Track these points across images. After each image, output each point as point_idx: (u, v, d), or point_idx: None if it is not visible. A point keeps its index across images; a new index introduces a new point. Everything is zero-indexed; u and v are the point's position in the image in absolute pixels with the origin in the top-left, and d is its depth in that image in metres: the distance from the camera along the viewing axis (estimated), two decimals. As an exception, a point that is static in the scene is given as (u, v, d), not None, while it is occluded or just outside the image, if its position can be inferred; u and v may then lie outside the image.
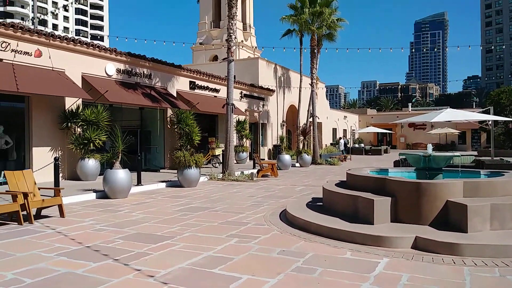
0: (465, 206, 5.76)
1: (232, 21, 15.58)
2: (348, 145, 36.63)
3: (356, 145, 43.64)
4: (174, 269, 4.72)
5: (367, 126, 49.90)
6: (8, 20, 12.52)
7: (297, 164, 22.00)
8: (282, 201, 9.66)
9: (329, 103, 49.11)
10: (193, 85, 19.87)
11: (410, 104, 73.86)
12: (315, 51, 25.08)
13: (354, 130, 50.90)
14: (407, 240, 5.59)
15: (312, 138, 24.76)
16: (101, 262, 5.01)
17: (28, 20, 76.60)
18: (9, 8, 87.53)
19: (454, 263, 4.92)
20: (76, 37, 14.26)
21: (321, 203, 8.06)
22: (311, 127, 25.36)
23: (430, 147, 8.08)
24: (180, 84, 18.96)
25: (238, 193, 11.36)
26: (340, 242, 5.84)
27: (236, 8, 15.85)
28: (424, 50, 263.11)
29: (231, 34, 15.57)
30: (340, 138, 38.93)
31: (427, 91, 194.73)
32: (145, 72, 16.85)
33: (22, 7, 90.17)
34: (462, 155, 8.53)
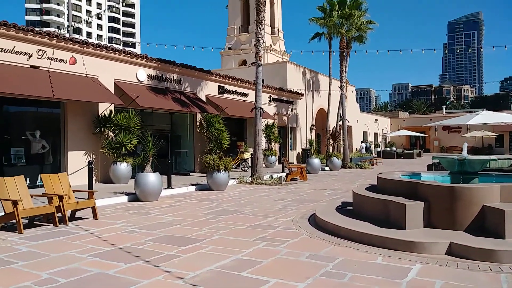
0: (502, 211, 5.53)
1: (260, 26, 15.63)
2: (370, 149, 35.92)
3: (388, 149, 42.79)
4: (202, 272, 4.75)
5: (399, 129, 48.95)
6: (45, 29, 12.97)
7: (327, 168, 21.77)
8: (311, 205, 9.57)
9: (360, 107, 48.40)
10: (222, 90, 20.04)
11: (444, 106, 71.96)
12: (344, 54, 24.80)
13: (385, 133, 49.98)
14: (441, 246, 5.41)
15: (342, 141, 24.46)
16: (132, 263, 5.10)
17: (64, 29, 79.52)
18: (45, 17, 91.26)
19: (491, 270, 4.72)
20: (109, 44, 14.68)
21: (351, 207, 7.93)
22: (341, 131, 25.06)
23: (465, 145, 7.79)
24: (209, 89, 19.16)
25: (267, 196, 11.34)
26: (370, 247, 5.71)
27: (264, 13, 15.89)
28: (458, 51, 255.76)
29: (259, 39, 15.62)
30: (362, 141, 38.28)
31: (462, 93, 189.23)
32: (175, 78, 17.13)
33: (58, 16, 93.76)
34: (499, 159, 8.21)
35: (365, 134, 43.96)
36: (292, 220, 7.84)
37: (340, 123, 25.37)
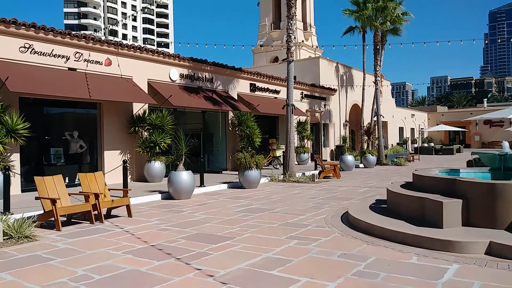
0: (548, 209, 5.21)
1: (291, 21, 15.49)
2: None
3: (425, 145, 41.53)
4: (233, 270, 4.74)
5: (437, 124, 47.37)
6: (82, 32, 13.40)
7: (361, 165, 21.37)
8: (344, 203, 9.40)
9: (396, 101, 47.24)
10: (253, 87, 20.04)
11: (486, 99, 68.92)
12: (379, 47, 24.22)
13: (422, 129, 48.49)
14: (480, 246, 5.18)
15: (376, 137, 23.93)
16: (164, 260, 5.17)
17: (100, 31, 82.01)
18: (83, 21, 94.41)
19: (535, 272, 4.46)
20: (142, 45, 14.98)
21: (385, 205, 7.72)
22: (376, 127, 24.51)
23: (506, 144, 7.42)
24: (240, 87, 19.21)
25: (299, 194, 11.24)
26: (405, 246, 5.54)
27: (295, 8, 15.74)
28: (499, 41, 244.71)
29: (290, 35, 15.48)
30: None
31: (504, 85, 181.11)
32: (206, 76, 17.28)
33: (95, 19, 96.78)
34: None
35: (401, 129, 42.83)
36: (324, 218, 7.72)
37: (375, 118, 24.83)
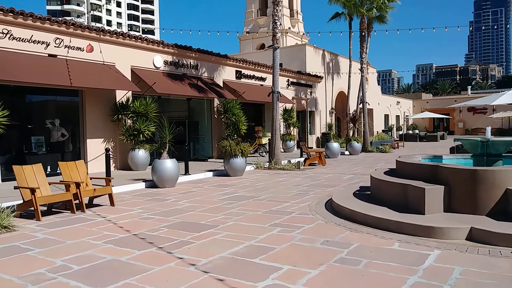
0: (528, 195, 5.27)
1: (277, 7, 15.30)
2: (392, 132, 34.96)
3: (410, 132, 41.94)
4: (215, 258, 4.70)
5: (422, 112, 47.83)
6: (62, 18, 13.02)
7: (347, 152, 21.47)
8: (328, 190, 9.42)
9: (382, 89, 47.45)
10: (239, 74, 19.87)
11: (470, 87, 69.71)
12: (365, 34, 24.17)
13: (407, 116, 48.93)
14: (461, 231, 5.22)
15: (362, 125, 24.04)
16: (145, 250, 5.10)
17: (84, 17, 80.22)
18: (66, 7, 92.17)
19: (514, 256, 4.51)
20: (125, 32, 14.66)
21: (369, 192, 7.76)
22: (361, 114, 24.60)
23: (489, 129, 7.47)
24: (226, 74, 19.03)
25: (284, 182, 11.23)
26: (388, 232, 5.56)
27: (281, -6, 15.53)
28: (484, 28, 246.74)
29: (276, 21, 15.30)
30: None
31: (488, 72, 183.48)
32: (191, 63, 17.05)
33: (78, 5, 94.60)
34: (525, 140, 7.84)
35: (386, 117, 43.15)
36: (308, 205, 7.72)
37: (361, 106, 24.90)
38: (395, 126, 44.13)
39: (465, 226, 5.24)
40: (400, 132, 41.82)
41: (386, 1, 24.21)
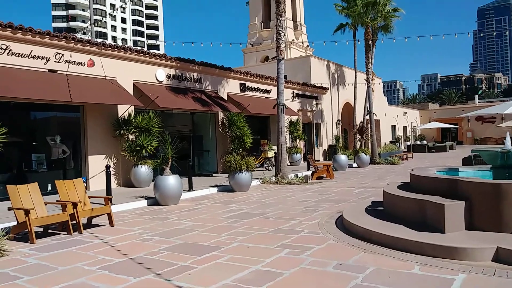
0: (559, 211, 4.82)
1: (280, 18, 15.04)
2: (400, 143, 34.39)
3: (418, 142, 41.32)
4: (217, 286, 4.28)
5: (430, 122, 47.29)
6: (63, 33, 12.81)
7: (355, 165, 20.99)
8: (338, 206, 8.97)
9: (387, 99, 46.97)
10: (243, 87, 19.58)
11: (477, 96, 69.03)
12: (370, 44, 23.88)
13: (415, 126, 48.35)
14: (486, 252, 4.77)
15: (369, 136, 23.58)
16: (142, 277, 4.70)
17: (89, 34, 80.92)
18: (71, 24, 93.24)
19: (551, 281, 4.05)
20: (127, 45, 14.44)
21: (381, 208, 7.31)
22: (368, 125, 24.17)
23: (508, 136, 6.99)
24: (230, 87, 18.74)
25: (291, 197, 10.80)
26: (406, 254, 5.11)
27: (284, 5, 15.30)
28: (486, 36, 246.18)
29: (280, 32, 15.04)
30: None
31: (494, 81, 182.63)
32: (195, 76, 16.79)
33: (83, 21, 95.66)
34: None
35: (393, 128, 42.61)
36: (318, 223, 7.28)
37: (367, 117, 24.49)
38: (402, 137, 43.56)
39: (491, 246, 4.79)
40: (408, 143, 41.22)
41: (390, 11, 23.98)
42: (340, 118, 29.29)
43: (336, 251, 5.47)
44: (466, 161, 13.41)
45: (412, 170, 7.73)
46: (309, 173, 15.91)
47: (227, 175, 12.76)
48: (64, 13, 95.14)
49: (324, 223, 7.20)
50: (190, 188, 11.74)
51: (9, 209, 6.89)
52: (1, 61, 10.65)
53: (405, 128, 46.57)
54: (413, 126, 47.96)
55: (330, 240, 6.03)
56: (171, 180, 9.92)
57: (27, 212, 6.56)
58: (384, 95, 42.19)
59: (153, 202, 10.24)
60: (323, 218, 7.70)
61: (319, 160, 24.80)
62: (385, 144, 34.42)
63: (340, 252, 5.38)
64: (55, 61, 11.84)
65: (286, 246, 5.80)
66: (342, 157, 18.77)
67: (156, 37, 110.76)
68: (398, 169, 18.66)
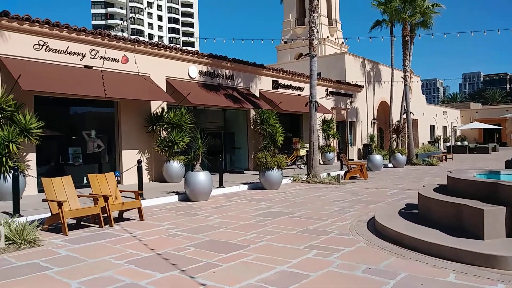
0: None
1: (313, 14, 14.77)
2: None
3: (458, 143, 39.83)
4: (241, 286, 4.19)
5: (471, 122, 45.47)
6: (98, 29, 13.10)
7: (390, 165, 20.42)
8: (370, 207, 8.70)
9: (426, 98, 45.49)
10: (275, 84, 19.43)
11: (522, 95, 65.70)
12: (407, 41, 23.13)
13: (455, 126, 46.61)
14: (530, 262, 4.43)
15: (406, 136, 22.87)
16: (167, 273, 4.67)
17: (126, 32, 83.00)
18: (110, 22, 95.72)
19: None
20: (160, 42, 14.61)
21: (416, 211, 7.00)
22: (405, 124, 23.45)
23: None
24: (262, 84, 18.64)
25: (322, 197, 10.58)
26: (440, 260, 4.84)
27: (318, 1, 15.02)
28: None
29: (313, 28, 14.77)
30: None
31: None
32: (227, 73, 16.80)
33: (121, 19, 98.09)
34: None
35: (432, 127, 41.24)
36: (349, 224, 7.06)
37: (404, 116, 23.77)
38: (442, 137, 42.10)
39: (535, 256, 4.45)
40: (448, 144, 39.79)
41: (430, 6, 23.15)
42: (375, 117, 28.62)
43: (366, 254, 5.26)
44: (510, 164, 12.71)
45: (450, 172, 7.37)
46: (342, 172, 15.59)
47: (258, 172, 12.70)
48: (103, 11, 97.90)
49: (355, 225, 6.98)
50: (221, 185, 11.75)
51: (44, 200, 7.07)
52: (39, 57, 11.01)
53: (444, 128, 44.97)
54: (453, 126, 46.25)
55: (361, 243, 5.82)
56: (201, 176, 9.94)
57: (60, 204, 6.71)
58: (423, 94, 40.91)
59: (184, 197, 10.31)
60: (354, 219, 7.47)
61: (352, 160, 24.32)
62: (423, 145, 33.37)
63: (370, 256, 5.17)
64: (90, 57, 12.12)
65: (314, 247, 5.64)
66: (377, 157, 18.29)
67: (191, 34, 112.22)
68: (436, 171, 17.98)
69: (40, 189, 11.04)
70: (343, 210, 8.50)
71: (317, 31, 15.26)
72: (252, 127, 17.54)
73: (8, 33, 10.48)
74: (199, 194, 10.02)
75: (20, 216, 7.47)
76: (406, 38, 22.93)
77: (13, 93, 9.98)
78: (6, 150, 9.54)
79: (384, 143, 29.29)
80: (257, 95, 18.06)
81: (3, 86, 10.03)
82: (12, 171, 8.21)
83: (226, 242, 6.02)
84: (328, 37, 35.21)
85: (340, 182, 13.57)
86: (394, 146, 21.72)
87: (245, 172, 16.95)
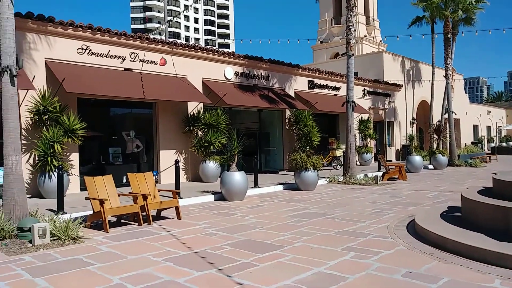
0: None
1: (351, 13, 14.56)
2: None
3: (503, 144, 38.07)
4: (278, 286, 4.18)
5: (517, 122, 43.36)
6: (137, 33, 13.46)
7: (430, 166, 19.79)
8: (410, 209, 8.45)
9: (469, 97, 43.77)
10: (311, 84, 19.27)
11: None
12: (449, 38, 22.33)
13: (500, 126, 44.57)
14: None
15: (448, 136, 22.09)
16: (204, 271, 4.73)
17: (164, 34, 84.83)
18: (148, 25, 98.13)
19: None
20: (196, 44, 14.83)
21: (459, 214, 6.74)
22: (447, 124, 22.65)
23: None
24: (298, 84, 18.55)
25: (360, 198, 10.39)
26: (485, 265, 4.63)
27: (356, -1, 14.79)
28: None
29: (350, 27, 14.55)
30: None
31: None
32: (262, 74, 16.83)
33: (159, 23, 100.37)
34: None
35: (475, 127, 39.63)
36: (387, 226, 6.89)
37: (446, 115, 22.98)
38: (486, 137, 40.37)
39: None
40: (492, 145, 38.12)
41: (473, 2, 22.25)
42: (415, 117, 27.81)
43: (406, 257, 5.11)
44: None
45: (495, 174, 7.05)
46: (380, 173, 15.25)
47: (293, 173, 12.65)
48: (141, 15, 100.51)
49: (394, 227, 6.80)
50: (256, 185, 11.77)
51: (86, 199, 7.33)
52: (83, 61, 11.44)
53: (489, 128, 43.09)
54: (498, 126, 44.22)
55: (400, 246, 5.66)
56: (237, 176, 10.00)
57: (101, 202, 6.93)
58: (465, 93, 39.38)
59: (219, 197, 10.41)
60: (393, 221, 7.28)
61: (391, 161, 23.76)
62: (465, 145, 32.13)
63: (411, 259, 5.02)
64: (130, 60, 12.48)
65: (351, 249, 5.55)
66: (416, 158, 17.78)
67: (227, 36, 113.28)
68: (480, 173, 17.26)
69: (83, 188, 11.46)
70: (381, 212, 8.31)
71: (354, 30, 15.01)
72: (287, 127, 17.49)
73: (53, 38, 10.95)
74: (234, 194, 10.09)
75: (64, 213, 7.78)
76: (448, 36, 22.16)
77: (58, 96, 10.43)
78: (51, 150, 9.99)
79: (424, 143, 28.42)
80: (293, 95, 17.98)
81: (49, 89, 10.49)
82: (56, 170, 8.56)
83: (262, 242, 6.02)
84: (365, 36, 34.59)
85: (377, 183, 13.28)
86: (435, 147, 21.02)
87: (280, 172, 16.91)
